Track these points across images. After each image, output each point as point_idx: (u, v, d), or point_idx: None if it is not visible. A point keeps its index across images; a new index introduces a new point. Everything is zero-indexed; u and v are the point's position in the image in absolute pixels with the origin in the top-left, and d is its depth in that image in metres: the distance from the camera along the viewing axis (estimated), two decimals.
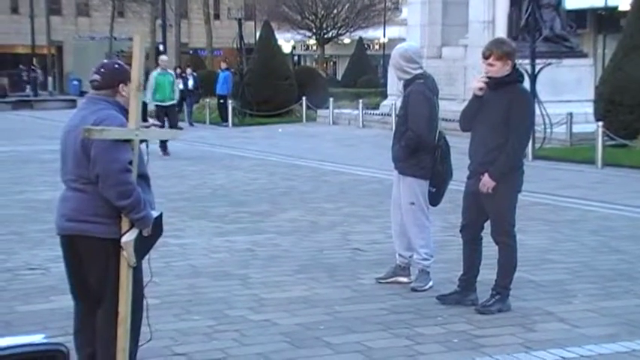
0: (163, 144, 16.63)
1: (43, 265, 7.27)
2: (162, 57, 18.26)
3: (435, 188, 6.51)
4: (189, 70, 28.07)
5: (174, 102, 17.61)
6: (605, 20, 30.05)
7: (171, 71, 17.88)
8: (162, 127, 16.30)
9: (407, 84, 6.44)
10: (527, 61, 16.04)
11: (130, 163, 4.08)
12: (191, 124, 25.76)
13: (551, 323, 5.68)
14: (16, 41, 51.44)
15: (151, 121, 4.46)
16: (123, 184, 4.04)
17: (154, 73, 17.38)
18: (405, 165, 6.46)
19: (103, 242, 4.16)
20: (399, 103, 7.12)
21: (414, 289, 6.46)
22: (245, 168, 14.89)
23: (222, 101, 26.41)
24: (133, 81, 4.13)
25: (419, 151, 6.37)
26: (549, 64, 17.38)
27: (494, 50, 5.80)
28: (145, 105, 4.54)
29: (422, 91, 6.38)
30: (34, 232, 8.73)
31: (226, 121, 25.85)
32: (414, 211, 6.48)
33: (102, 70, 4.28)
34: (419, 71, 6.45)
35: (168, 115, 17.20)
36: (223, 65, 27.58)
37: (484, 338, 5.35)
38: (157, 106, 17.21)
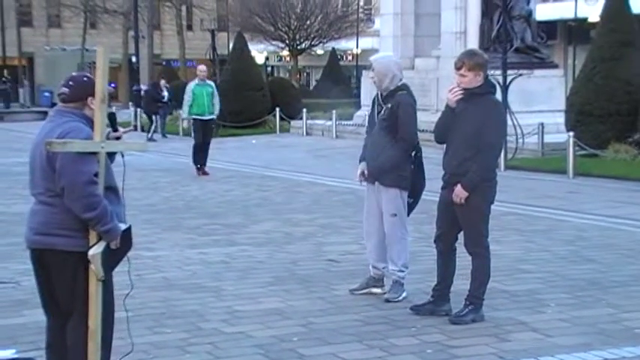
0: (200, 163, 15.42)
1: (14, 279, 7.18)
2: (201, 67, 16.37)
3: (412, 199, 6.55)
4: (162, 82, 27.97)
5: (214, 116, 15.84)
6: (575, 31, 30.38)
7: (210, 82, 16.17)
8: (199, 143, 15.36)
9: (390, 94, 6.42)
10: (498, 71, 16.18)
11: (96, 175, 4.05)
12: (164, 136, 25.66)
13: (525, 333, 5.70)
14: None
15: (121, 130, 4.41)
16: (88, 196, 4.01)
17: (191, 85, 15.82)
18: (389, 176, 6.44)
19: (70, 255, 4.12)
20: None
21: (387, 300, 6.46)
22: (219, 179, 14.85)
23: None
24: (97, 93, 4.11)
25: (404, 162, 6.41)
26: (520, 74, 17.54)
27: (466, 61, 5.84)
28: (113, 115, 4.54)
29: (410, 102, 6.46)
30: (5, 246, 8.64)
31: None
32: (395, 223, 6.49)
33: (70, 82, 4.25)
34: (403, 81, 6.49)
35: (204, 130, 15.56)
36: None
37: (458, 349, 5.36)
38: (194, 119, 15.64)
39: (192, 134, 15.92)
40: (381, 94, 6.51)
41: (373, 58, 6.67)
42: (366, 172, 6.60)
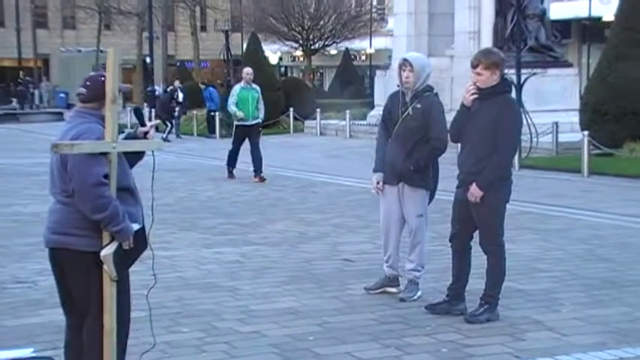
0: (233, 166, 14.80)
1: (31, 279, 7.23)
2: (247, 69, 15.29)
3: (430, 198, 6.59)
4: (176, 83, 28.07)
5: (259, 120, 14.69)
6: (590, 30, 30.26)
7: (256, 86, 14.81)
8: (237, 149, 14.56)
9: (417, 94, 6.39)
10: (512, 71, 16.13)
11: (106, 176, 4.07)
12: (179, 136, 25.77)
13: (540, 332, 5.70)
14: (3, 55, 51.32)
15: (149, 124, 4.42)
16: (97, 197, 4.03)
17: (237, 88, 14.72)
18: (417, 177, 6.43)
19: (83, 255, 4.15)
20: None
21: (402, 300, 6.46)
22: (233, 180, 14.88)
23: (212, 114, 26.39)
24: (108, 94, 4.13)
25: (431, 163, 6.45)
26: (535, 73, 17.50)
27: (482, 60, 5.84)
28: (139, 110, 4.57)
29: (441, 103, 6.49)
30: (21, 246, 8.70)
31: (213, 133, 25.87)
32: (422, 223, 6.52)
33: (87, 83, 4.28)
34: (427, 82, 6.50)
35: (249, 136, 14.45)
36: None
37: (473, 348, 5.37)
38: (237, 125, 14.56)
39: (232, 139, 14.90)
40: (405, 93, 6.46)
41: (409, 57, 6.48)
42: (381, 182, 6.57)
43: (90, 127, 4.15)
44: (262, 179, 14.24)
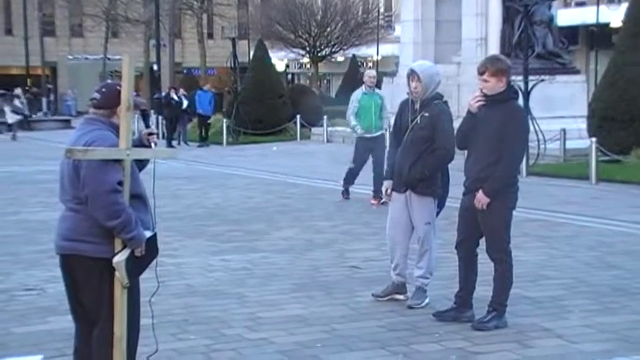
0: (378, 188, 10.78)
1: (39, 286, 7.25)
2: (370, 71, 13.26)
3: (438, 208, 6.58)
4: (181, 90, 28.10)
5: (383, 132, 12.42)
6: (597, 36, 30.23)
7: (379, 91, 12.75)
8: (359, 168, 12.45)
9: (426, 102, 6.39)
10: (520, 77, 16.12)
11: (120, 183, 4.09)
12: (186, 143, 25.82)
13: (548, 339, 5.68)
14: (10, 62, 51.48)
15: (152, 127, 4.45)
16: (111, 204, 4.05)
17: (357, 93, 12.49)
18: (424, 185, 6.44)
19: (96, 262, 4.16)
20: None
21: (410, 307, 6.46)
22: (240, 186, 14.90)
23: (207, 121, 26.27)
24: (123, 101, 4.16)
25: (439, 171, 6.45)
26: (542, 80, 17.47)
27: (489, 67, 5.84)
28: (145, 112, 4.56)
29: (449, 111, 6.47)
30: (30, 253, 8.72)
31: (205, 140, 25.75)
32: (429, 231, 6.52)
33: (103, 89, 4.31)
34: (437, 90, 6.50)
35: (373, 149, 12.30)
36: (207, 86, 27.59)
37: (481, 355, 5.36)
38: (358, 138, 12.46)
39: (353, 156, 12.74)
40: (415, 102, 6.46)
41: (416, 67, 6.47)
42: (390, 189, 6.60)
43: (102, 134, 4.17)
44: (381, 202, 11.02)
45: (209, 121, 26.24)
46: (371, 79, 12.52)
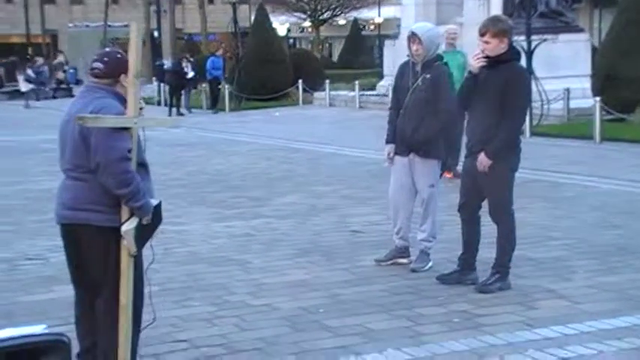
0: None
1: (43, 255, 7.26)
2: (451, 27, 11.97)
3: (442, 167, 6.59)
4: (184, 62, 27.82)
5: None
6: None
7: (461, 49, 11.29)
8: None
9: (427, 64, 6.34)
10: (522, 37, 15.98)
11: (129, 151, 4.06)
12: (189, 111, 25.69)
13: (552, 300, 5.68)
14: (11, 31, 51.27)
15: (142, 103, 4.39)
16: (122, 172, 4.02)
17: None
18: (428, 148, 6.40)
19: (101, 231, 4.14)
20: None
21: (413, 270, 6.45)
22: (242, 153, 14.87)
23: (218, 86, 26.15)
24: (131, 69, 4.10)
25: (442, 133, 6.42)
26: (545, 40, 17.32)
27: (491, 27, 5.77)
28: None
29: (450, 73, 6.44)
30: (33, 223, 8.72)
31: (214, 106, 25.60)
32: (433, 193, 6.50)
33: (105, 59, 4.24)
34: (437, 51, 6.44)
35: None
36: (220, 52, 27.31)
37: (485, 317, 5.35)
38: None
39: None
40: (415, 64, 6.39)
41: (417, 29, 6.38)
42: (392, 153, 6.56)
43: (107, 101, 4.13)
44: (455, 174, 9.74)
45: (219, 86, 26.08)
46: (451, 35, 11.12)
